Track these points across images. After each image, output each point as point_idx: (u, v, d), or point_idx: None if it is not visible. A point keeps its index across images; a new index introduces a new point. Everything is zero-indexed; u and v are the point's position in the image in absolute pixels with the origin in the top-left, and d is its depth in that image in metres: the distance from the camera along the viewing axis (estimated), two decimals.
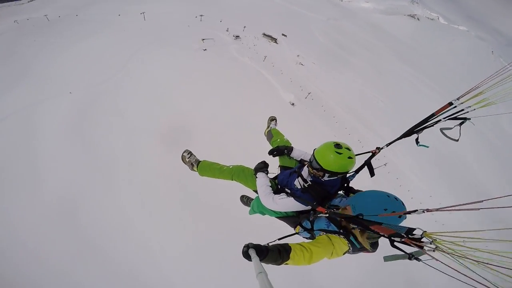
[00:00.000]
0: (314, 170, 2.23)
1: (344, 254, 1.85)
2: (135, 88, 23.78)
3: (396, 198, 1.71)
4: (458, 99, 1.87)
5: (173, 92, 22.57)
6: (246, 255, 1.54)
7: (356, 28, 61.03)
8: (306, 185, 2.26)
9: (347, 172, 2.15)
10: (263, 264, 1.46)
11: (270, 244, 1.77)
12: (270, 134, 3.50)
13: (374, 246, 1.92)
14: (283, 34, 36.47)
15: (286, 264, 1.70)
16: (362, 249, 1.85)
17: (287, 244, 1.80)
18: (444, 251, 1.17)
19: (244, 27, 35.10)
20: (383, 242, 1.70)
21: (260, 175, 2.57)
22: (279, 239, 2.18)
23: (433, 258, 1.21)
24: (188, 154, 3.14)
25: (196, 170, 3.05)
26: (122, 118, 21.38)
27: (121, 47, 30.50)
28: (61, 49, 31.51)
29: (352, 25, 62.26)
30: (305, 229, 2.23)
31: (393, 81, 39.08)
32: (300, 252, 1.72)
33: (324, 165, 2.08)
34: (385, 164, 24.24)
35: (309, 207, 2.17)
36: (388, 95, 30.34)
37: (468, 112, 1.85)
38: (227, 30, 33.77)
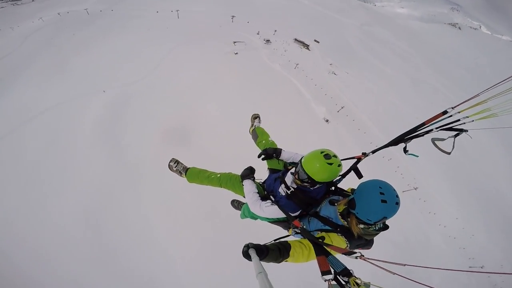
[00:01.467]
0: (300, 181, 2.14)
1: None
2: (166, 91, 23.24)
3: (396, 203, 1.62)
4: (453, 107, 1.71)
5: (203, 98, 21.92)
6: (246, 255, 1.47)
7: (391, 35, 57.53)
8: (289, 192, 2.18)
9: (330, 182, 2.11)
10: (263, 262, 1.39)
11: (267, 244, 1.69)
12: (255, 134, 3.37)
13: (369, 243, 1.88)
14: (315, 40, 34.85)
15: (286, 261, 1.67)
16: (360, 245, 1.81)
17: (287, 242, 1.75)
18: None
19: (275, 31, 33.86)
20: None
21: (247, 182, 2.50)
22: (275, 240, 2.03)
23: None
24: (174, 163, 3.07)
25: (184, 177, 3.01)
26: (152, 121, 21.00)
27: (154, 46, 30.18)
28: (98, 44, 31.73)
29: (387, 32, 58.80)
30: (297, 232, 2.15)
31: (429, 94, 36.13)
32: (300, 249, 1.68)
33: (314, 176, 1.98)
34: (415, 188, 22.40)
35: (295, 215, 2.13)
36: (423, 111, 27.93)
37: (465, 123, 1.64)
38: (258, 34, 32.72)
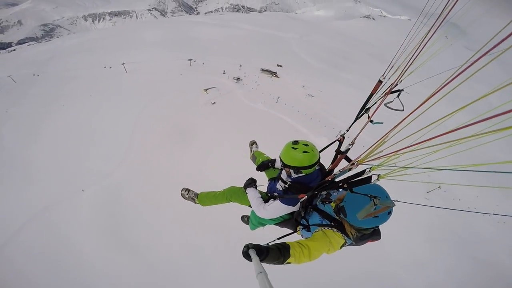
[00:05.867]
0: (285, 169, 2.24)
1: (341, 247, 1.78)
2: (153, 172, 18.33)
3: (388, 213, 1.54)
4: (383, 76, 1.92)
5: (202, 173, 18.21)
6: (246, 255, 1.41)
7: (328, 40, 60.41)
8: (286, 185, 2.28)
9: (310, 165, 2.06)
10: (265, 265, 1.38)
11: (269, 244, 1.62)
12: (254, 157, 3.42)
13: (377, 233, 1.83)
14: (278, 65, 33.85)
15: (289, 263, 1.62)
16: (365, 239, 1.80)
17: (285, 242, 1.67)
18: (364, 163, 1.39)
19: (240, 65, 31.85)
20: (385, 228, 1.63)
21: (250, 189, 2.48)
22: (279, 238, 1.99)
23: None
24: (185, 191, 3.07)
25: (198, 202, 3.03)
26: (154, 209, 16.08)
27: (116, 114, 24.21)
28: (45, 125, 23.90)
29: (324, 38, 61.65)
30: (304, 226, 2.14)
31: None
32: (299, 248, 1.63)
33: (284, 160, 2.08)
34: (439, 187, 22.64)
35: (297, 207, 2.16)
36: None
37: (397, 84, 1.81)
38: (224, 73, 30.24)
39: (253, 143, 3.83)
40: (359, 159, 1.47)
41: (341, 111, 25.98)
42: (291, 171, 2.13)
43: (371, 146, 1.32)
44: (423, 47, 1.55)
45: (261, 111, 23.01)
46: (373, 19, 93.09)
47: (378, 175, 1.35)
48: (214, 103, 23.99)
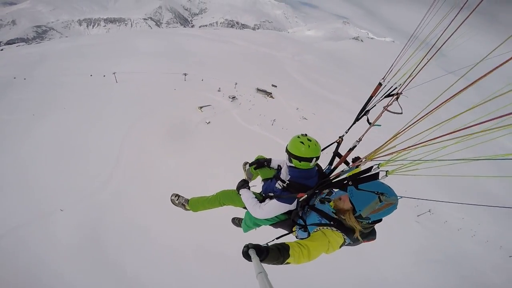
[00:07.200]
0: (288, 160, 2.21)
1: (340, 247, 1.74)
2: (141, 194, 16.89)
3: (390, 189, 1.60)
4: (383, 79, 1.99)
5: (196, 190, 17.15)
6: (246, 256, 1.38)
7: (319, 61, 61.68)
8: (285, 184, 2.19)
9: (302, 157, 2.03)
10: (264, 265, 1.36)
11: (268, 244, 1.58)
12: (250, 173, 3.10)
13: (373, 233, 1.81)
14: (273, 85, 33.69)
15: (288, 263, 1.59)
16: (363, 238, 1.75)
17: (284, 242, 1.62)
18: (373, 159, 1.46)
19: (236, 84, 31.33)
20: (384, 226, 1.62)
21: (243, 191, 2.39)
22: (277, 238, 1.95)
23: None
24: (175, 197, 2.86)
25: (189, 208, 2.84)
26: (143, 233, 14.74)
27: (103, 129, 22.45)
28: (24, 134, 21.58)
29: (314, 58, 62.93)
30: (300, 226, 2.08)
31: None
32: (298, 248, 1.58)
33: (291, 150, 2.06)
34: (429, 210, 23.04)
35: (294, 206, 2.09)
36: (385, 127, 29.46)
37: (396, 88, 1.88)
38: (219, 90, 29.55)
39: (246, 163, 3.64)
40: (367, 156, 1.52)
41: (334, 136, 25.72)
42: (287, 156, 2.17)
43: (383, 144, 1.39)
44: (420, 69, 1.67)
45: (257, 134, 22.32)
46: (361, 40, 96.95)
47: (386, 171, 1.38)
48: (209, 122, 23.09)
